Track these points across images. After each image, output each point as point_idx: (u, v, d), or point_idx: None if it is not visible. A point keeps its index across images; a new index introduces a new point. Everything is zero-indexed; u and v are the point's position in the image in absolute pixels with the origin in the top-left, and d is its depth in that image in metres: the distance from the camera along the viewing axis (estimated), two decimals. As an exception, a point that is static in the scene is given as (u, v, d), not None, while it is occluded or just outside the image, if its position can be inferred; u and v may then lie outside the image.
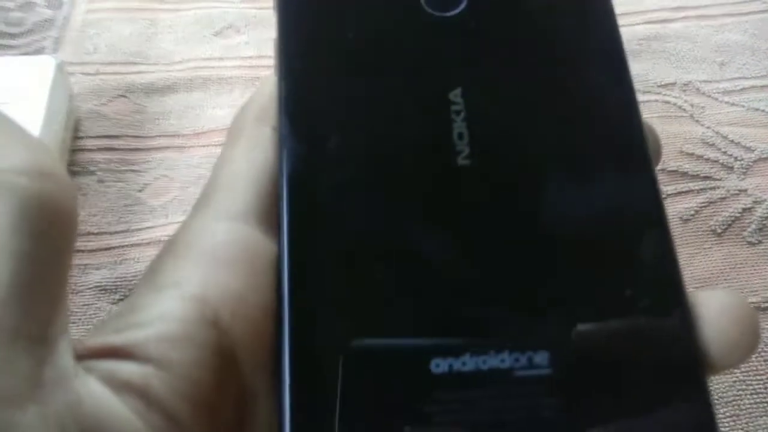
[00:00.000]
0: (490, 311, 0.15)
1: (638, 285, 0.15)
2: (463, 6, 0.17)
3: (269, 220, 0.17)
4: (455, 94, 0.16)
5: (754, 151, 0.41)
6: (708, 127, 0.43)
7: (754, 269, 0.36)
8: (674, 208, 0.39)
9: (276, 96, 0.17)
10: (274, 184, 0.17)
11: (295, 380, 0.14)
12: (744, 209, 0.39)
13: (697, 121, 0.43)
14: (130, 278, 0.37)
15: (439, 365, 0.14)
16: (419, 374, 0.14)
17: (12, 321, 0.12)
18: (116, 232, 0.39)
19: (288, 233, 0.15)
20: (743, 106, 0.44)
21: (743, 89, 0.45)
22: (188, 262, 0.15)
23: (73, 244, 0.14)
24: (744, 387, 0.33)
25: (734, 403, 0.32)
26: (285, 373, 0.14)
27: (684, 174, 0.40)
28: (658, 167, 0.18)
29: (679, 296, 0.15)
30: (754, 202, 0.39)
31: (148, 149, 0.44)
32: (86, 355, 0.14)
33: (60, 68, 0.42)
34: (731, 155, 0.41)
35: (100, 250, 0.38)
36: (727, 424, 0.32)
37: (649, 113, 0.43)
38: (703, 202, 0.39)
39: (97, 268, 0.37)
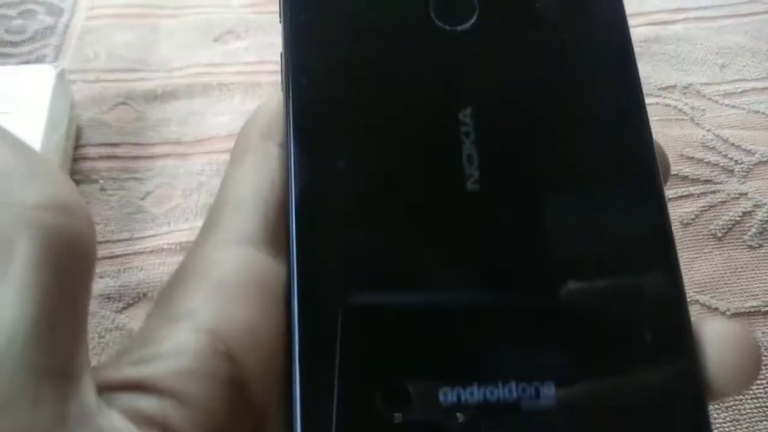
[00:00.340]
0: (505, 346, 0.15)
1: (643, 313, 0.15)
2: (473, 20, 0.17)
3: (278, 242, 0.16)
4: (465, 114, 0.16)
5: (754, 154, 0.41)
6: (708, 130, 0.43)
7: (755, 273, 0.37)
8: (675, 212, 0.39)
9: (283, 114, 0.17)
10: (282, 205, 0.17)
11: (306, 409, 0.14)
12: (744, 213, 0.39)
13: (697, 124, 0.43)
14: (134, 287, 0.37)
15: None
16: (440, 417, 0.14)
17: (36, 358, 0.12)
18: (119, 241, 0.39)
19: (297, 259, 0.15)
20: (744, 109, 0.44)
21: (744, 91, 0.45)
22: (199, 292, 0.15)
23: (92, 276, 0.14)
24: (744, 391, 0.33)
25: (735, 407, 0.32)
26: (296, 402, 0.14)
27: (685, 178, 0.40)
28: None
29: (683, 324, 0.15)
30: (755, 205, 0.39)
31: (150, 157, 0.44)
32: (106, 388, 0.14)
33: (60, 77, 0.42)
34: (732, 158, 0.41)
35: (104, 258, 0.38)
36: (727, 429, 0.32)
37: (650, 117, 0.43)
38: (703, 206, 0.39)
39: (101, 277, 0.37)
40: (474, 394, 0.14)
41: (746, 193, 0.40)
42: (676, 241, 0.16)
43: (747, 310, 0.35)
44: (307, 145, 0.16)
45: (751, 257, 0.37)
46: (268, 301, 0.15)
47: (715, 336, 0.14)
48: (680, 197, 0.39)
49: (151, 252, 0.38)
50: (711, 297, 0.36)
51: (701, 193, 0.40)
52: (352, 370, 0.15)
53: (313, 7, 0.17)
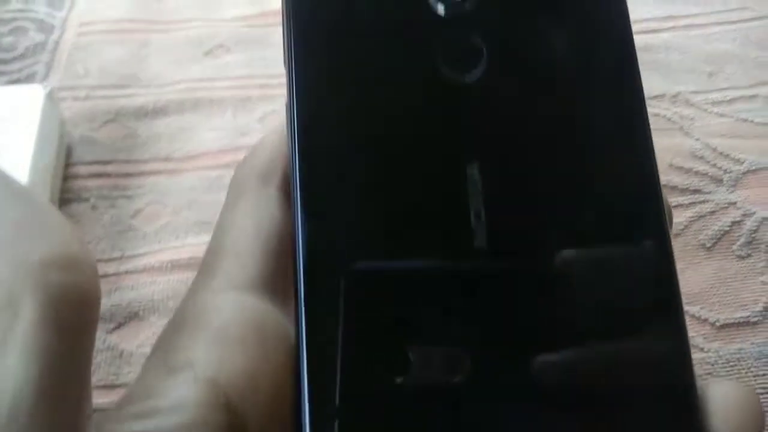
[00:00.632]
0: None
1: (650, 374, 0.15)
2: (483, 67, 0.17)
3: (277, 288, 0.16)
4: (473, 168, 0.16)
5: (743, 163, 0.41)
6: (697, 139, 0.43)
7: (744, 283, 0.37)
8: (664, 223, 0.39)
9: (290, 165, 0.16)
10: (282, 250, 0.17)
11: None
12: (733, 222, 0.39)
13: (686, 133, 0.43)
14: (125, 306, 0.37)
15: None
16: None
17: (43, 417, 0.12)
18: (110, 260, 0.39)
19: (306, 318, 0.15)
20: (732, 117, 0.44)
21: (732, 99, 0.45)
22: (199, 341, 0.15)
23: (96, 327, 0.14)
24: None
25: None
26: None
27: (674, 188, 0.40)
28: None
29: (688, 385, 0.15)
30: (743, 215, 0.39)
31: (140, 174, 0.44)
32: None
33: (50, 96, 0.42)
34: (720, 168, 0.41)
35: (94, 278, 0.38)
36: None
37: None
38: (692, 216, 0.39)
39: (92, 297, 0.38)
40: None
41: (735, 203, 0.40)
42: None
43: (736, 321, 0.35)
44: (312, 197, 0.16)
45: (740, 267, 0.37)
46: (267, 348, 0.15)
47: (720, 398, 0.15)
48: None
49: (142, 271, 0.39)
50: (700, 308, 0.36)
51: (690, 203, 0.40)
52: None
53: (320, 59, 0.17)
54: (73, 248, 0.14)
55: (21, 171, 0.37)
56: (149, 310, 0.37)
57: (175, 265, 0.39)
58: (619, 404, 0.15)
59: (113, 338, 0.36)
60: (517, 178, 0.16)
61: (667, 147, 0.42)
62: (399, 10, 0.17)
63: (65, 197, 0.42)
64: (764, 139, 0.43)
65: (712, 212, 0.39)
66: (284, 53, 0.17)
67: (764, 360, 0.34)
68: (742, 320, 0.35)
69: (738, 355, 0.34)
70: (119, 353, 0.35)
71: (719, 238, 0.38)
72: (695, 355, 0.34)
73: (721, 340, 0.35)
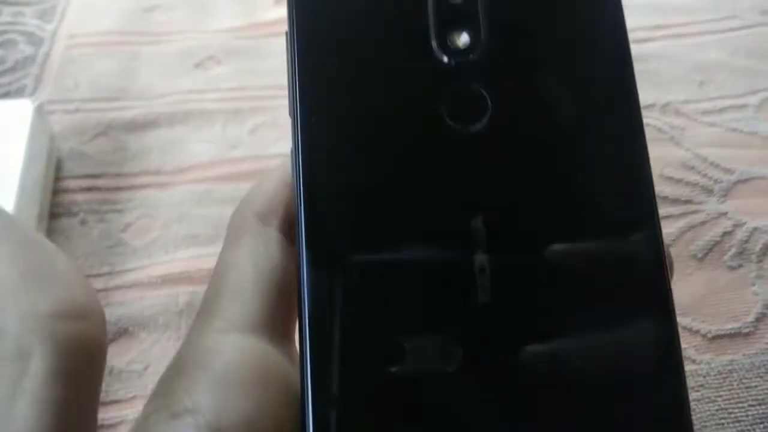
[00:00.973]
0: None
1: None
2: (486, 120, 0.17)
3: (278, 328, 0.16)
4: (477, 222, 0.16)
5: (733, 172, 0.41)
6: (688, 149, 0.43)
7: (735, 294, 0.37)
8: (655, 234, 0.39)
9: (295, 210, 0.16)
10: (283, 291, 0.17)
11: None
12: (724, 233, 0.39)
13: (677, 143, 0.43)
14: (115, 322, 0.37)
15: None
16: None
17: None
18: (100, 275, 0.39)
19: (312, 367, 0.15)
20: (722, 127, 0.44)
21: (722, 109, 0.45)
22: (201, 384, 0.15)
23: (103, 373, 0.14)
24: (726, 415, 0.33)
25: (717, 431, 0.32)
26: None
27: (665, 199, 0.40)
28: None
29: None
30: (734, 225, 0.39)
31: (130, 188, 0.44)
32: None
33: (39, 111, 0.42)
34: (711, 178, 0.41)
35: (84, 293, 0.38)
36: (711, 454, 0.32)
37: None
38: (683, 227, 0.39)
39: (81, 313, 0.37)
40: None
41: (726, 213, 0.40)
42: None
43: (727, 332, 0.35)
44: (316, 245, 0.16)
45: (731, 278, 0.37)
46: (268, 390, 0.15)
47: None
48: (661, 218, 0.39)
49: (131, 286, 0.38)
50: (692, 320, 0.36)
51: (681, 214, 0.40)
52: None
53: (325, 108, 0.17)
54: (80, 297, 0.14)
55: (10, 186, 0.37)
56: (139, 326, 0.37)
57: (165, 280, 0.38)
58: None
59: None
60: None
61: (658, 157, 0.42)
62: (404, 59, 0.17)
63: (55, 212, 0.42)
64: (754, 149, 0.43)
65: (703, 223, 0.39)
66: (290, 102, 0.17)
67: (756, 371, 0.34)
68: (733, 331, 0.35)
69: (730, 367, 0.34)
70: (109, 370, 0.35)
71: (710, 249, 0.38)
72: (687, 368, 0.34)
73: (713, 351, 0.35)
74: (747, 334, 0.35)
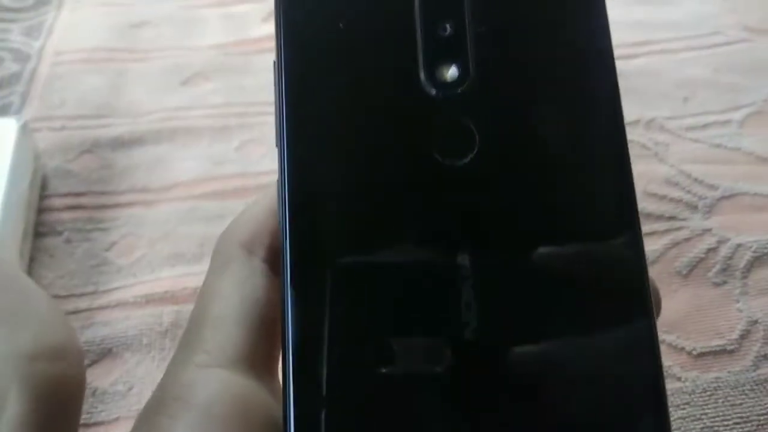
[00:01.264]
0: None
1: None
2: (474, 153, 0.16)
3: (262, 363, 0.16)
4: (464, 258, 0.16)
5: (717, 189, 0.42)
6: (672, 166, 0.43)
7: (720, 311, 0.37)
8: (640, 251, 0.39)
9: (281, 241, 0.16)
10: (267, 324, 0.17)
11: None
12: (708, 249, 0.39)
13: (661, 159, 0.43)
14: (99, 343, 0.37)
15: None
16: None
17: None
18: (84, 295, 0.39)
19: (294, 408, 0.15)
20: (706, 143, 0.45)
21: (706, 125, 0.46)
22: (181, 421, 0.15)
23: (80, 412, 0.14)
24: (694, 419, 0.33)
25: (702, 449, 0.32)
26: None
27: (649, 215, 0.40)
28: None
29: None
30: (718, 241, 0.39)
31: (116, 206, 0.44)
32: None
33: (23, 129, 0.42)
34: (695, 194, 0.42)
35: (69, 314, 0.38)
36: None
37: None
38: (668, 244, 0.39)
39: (65, 333, 0.37)
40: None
41: (710, 229, 0.40)
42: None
43: (712, 350, 0.35)
44: (303, 280, 0.16)
45: (716, 295, 0.37)
46: (249, 427, 0.15)
47: None
48: (645, 235, 0.39)
49: (116, 306, 0.38)
50: (677, 337, 0.36)
51: (665, 230, 0.40)
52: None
53: (311, 140, 0.17)
54: (58, 337, 0.14)
55: (-7, 206, 0.37)
56: (123, 347, 0.36)
57: (149, 300, 0.38)
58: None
59: (86, 376, 0.35)
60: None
61: (642, 173, 0.42)
62: (391, 92, 0.17)
63: (39, 230, 0.42)
64: (738, 165, 0.43)
65: (688, 239, 0.39)
66: (277, 133, 0.17)
67: (741, 389, 0.34)
68: (718, 348, 0.35)
69: (715, 385, 0.34)
70: (92, 391, 0.35)
71: (695, 266, 0.38)
72: (672, 385, 0.34)
73: (698, 369, 0.35)
74: (732, 351, 0.35)
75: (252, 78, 0.52)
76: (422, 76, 0.17)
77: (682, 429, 0.33)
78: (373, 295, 0.16)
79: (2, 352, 0.14)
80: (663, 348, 0.35)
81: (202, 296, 0.17)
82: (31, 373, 0.13)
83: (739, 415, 0.33)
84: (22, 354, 0.14)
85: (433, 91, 0.17)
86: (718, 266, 0.38)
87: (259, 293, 0.17)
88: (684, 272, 0.38)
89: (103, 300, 0.39)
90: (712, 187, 0.42)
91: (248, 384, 0.16)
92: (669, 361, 0.35)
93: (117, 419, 0.34)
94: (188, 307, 0.38)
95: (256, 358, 0.16)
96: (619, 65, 0.17)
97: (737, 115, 0.46)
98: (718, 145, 0.44)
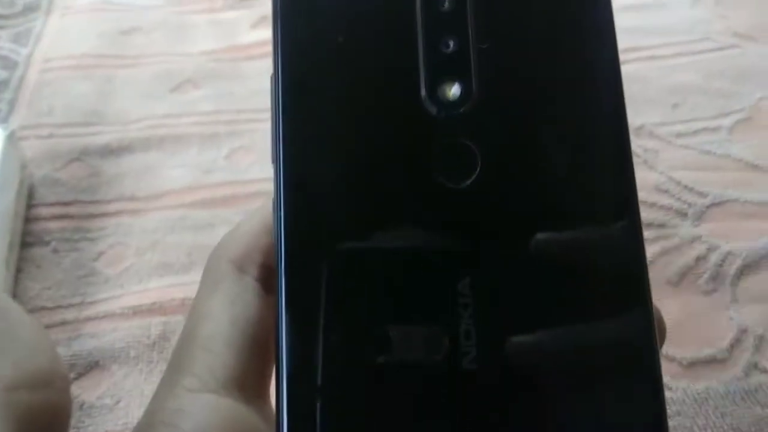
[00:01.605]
0: None
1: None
2: (475, 176, 0.16)
3: (252, 386, 0.16)
4: (464, 285, 0.16)
5: (707, 196, 0.42)
6: (662, 173, 0.43)
7: (710, 319, 0.37)
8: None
9: (276, 261, 0.16)
10: (258, 345, 0.16)
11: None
12: (698, 257, 0.39)
13: (650, 166, 0.43)
14: (86, 355, 0.36)
15: None
16: None
17: None
18: (71, 306, 0.39)
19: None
20: (696, 149, 0.45)
21: (696, 131, 0.46)
22: None
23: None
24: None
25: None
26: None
27: (639, 222, 0.40)
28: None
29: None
30: (708, 249, 0.39)
31: (103, 215, 0.43)
32: None
33: (10, 138, 0.41)
34: (685, 201, 0.42)
35: (55, 325, 0.38)
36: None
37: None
38: (658, 252, 0.39)
39: (52, 345, 0.37)
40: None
41: (700, 237, 0.40)
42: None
43: (703, 359, 0.35)
44: (298, 295, 0.16)
45: (706, 303, 0.37)
46: None
47: None
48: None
49: (103, 317, 0.38)
50: (667, 346, 0.36)
51: (655, 238, 0.40)
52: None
53: (307, 156, 0.17)
54: (43, 364, 0.14)
55: (-22, 217, 0.37)
56: (111, 359, 0.36)
57: (137, 311, 0.38)
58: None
59: (73, 389, 0.35)
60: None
61: (633, 181, 0.42)
62: (392, 111, 0.17)
63: (26, 240, 0.42)
64: (727, 171, 0.43)
65: (678, 247, 0.39)
66: (273, 149, 0.16)
67: (731, 398, 0.34)
68: (709, 358, 0.35)
69: (705, 394, 0.34)
70: (80, 405, 0.34)
71: (685, 274, 0.38)
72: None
73: (689, 378, 0.35)
74: (722, 360, 0.35)
75: (241, 85, 0.52)
76: (423, 93, 0.16)
77: (673, 439, 0.33)
78: (372, 316, 0.15)
79: None
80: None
81: (192, 315, 0.17)
82: (15, 403, 0.13)
83: (729, 424, 0.33)
84: (3, 384, 0.13)
85: (435, 110, 0.16)
86: (708, 274, 0.38)
87: (251, 312, 0.17)
88: (674, 280, 0.38)
89: (90, 311, 0.38)
90: (702, 194, 0.42)
91: (238, 408, 0.16)
92: (659, 370, 0.35)
93: (104, 433, 0.34)
94: (176, 319, 0.38)
95: (247, 380, 0.16)
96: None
97: (726, 122, 0.46)
98: (708, 152, 0.44)
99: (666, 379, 0.35)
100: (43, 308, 0.38)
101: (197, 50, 0.55)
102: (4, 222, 0.39)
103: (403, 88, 0.16)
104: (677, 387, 0.34)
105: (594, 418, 0.15)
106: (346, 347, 0.15)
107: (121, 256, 0.41)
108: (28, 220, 0.43)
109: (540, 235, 0.16)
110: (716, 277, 0.38)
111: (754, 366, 0.35)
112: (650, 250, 0.39)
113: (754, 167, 0.44)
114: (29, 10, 0.60)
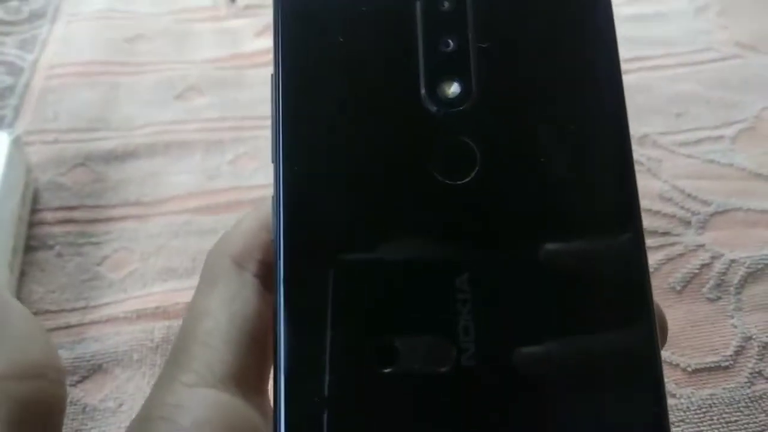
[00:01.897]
0: None
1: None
2: (475, 172, 0.16)
3: (250, 381, 0.16)
4: (462, 281, 0.16)
5: (711, 204, 0.42)
6: (665, 181, 0.43)
7: (714, 326, 0.37)
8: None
9: (274, 258, 0.16)
10: (256, 340, 0.16)
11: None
12: (702, 265, 0.39)
13: (654, 175, 0.44)
14: (89, 359, 0.36)
15: None
16: None
17: None
18: (75, 309, 0.39)
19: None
20: (699, 158, 0.45)
21: (699, 140, 0.46)
22: None
23: (61, 425, 0.14)
24: (707, 451, 0.33)
25: (698, 468, 0.32)
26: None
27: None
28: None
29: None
30: (712, 257, 0.39)
31: (108, 219, 0.43)
32: None
33: (16, 143, 0.42)
34: (689, 209, 0.42)
35: (59, 329, 0.38)
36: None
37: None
38: (662, 260, 0.39)
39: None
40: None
41: (704, 245, 0.40)
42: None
43: (707, 366, 0.35)
44: (296, 292, 0.16)
45: (710, 310, 0.37)
46: None
47: None
48: (639, 250, 0.40)
49: (106, 321, 0.38)
50: (671, 353, 0.36)
51: (659, 246, 0.40)
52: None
53: (307, 156, 0.17)
54: (37, 355, 0.14)
55: (-16, 220, 0.37)
56: (114, 363, 0.36)
57: (140, 315, 0.38)
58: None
59: (76, 392, 0.35)
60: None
61: (636, 189, 0.42)
62: (392, 110, 0.17)
63: (30, 244, 0.42)
64: (731, 180, 0.43)
65: (682, 255, 0.39)
66: (272, 148, 0.17)
67: (736, 406, 0.34)
68: (713, 365, 0.35)
69: (710, 401, 0.34)
70: (82, 408, 0.34)
71: (689, 281, 0.38)
72: (667, 402, 0.34)
73: (693, 385, 0.34)
74: (726, 368, 0.35)
75: (246, 92, 0.52)
76: (423, 92, 0.16)
77: (678, 447, 0.33)
78: (370, 313, 0.15)
79: None
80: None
81: (191, 311, 0.17)
82: (8, 394, 0.13)
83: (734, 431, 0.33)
84: None
85: (434, 109, 0.16)
86: (712, 282, 0.38)
87: (249, 309, 0.17)
88: (678, 288, 0.38)
89: (94, 315, 0.38)
90: (706, 202, 0.42)
91: (236, 403, 0.16)
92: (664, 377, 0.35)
93: (107, 437, 0.34)
94: (179, 323, 0.38)
95: (245, 376, 0.16)
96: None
97: (729, 131, 0.46)
98: (711, 161, 0.44)
99: (670, 386, 0.34)
100: (47, 312, 0.38)
101: (202, 58, 0.56)
102: (8, 226, 0.39)
103: (402, 87, 0.16)
104: (681, 394, 0.34)
105: (594, 418, 0.15)
106: (344, 345, 0.15)
107: (125, 261, 0.41)
108: (32, 224, 0.43)
109: (540, 236, 0.16)
110: (720, 285, 0.38)
111: (759, 374, 0.35)
112: (654, 258, 0.39)
113: (758, 176, 0.44)
114: (35, 17, 0.60)
